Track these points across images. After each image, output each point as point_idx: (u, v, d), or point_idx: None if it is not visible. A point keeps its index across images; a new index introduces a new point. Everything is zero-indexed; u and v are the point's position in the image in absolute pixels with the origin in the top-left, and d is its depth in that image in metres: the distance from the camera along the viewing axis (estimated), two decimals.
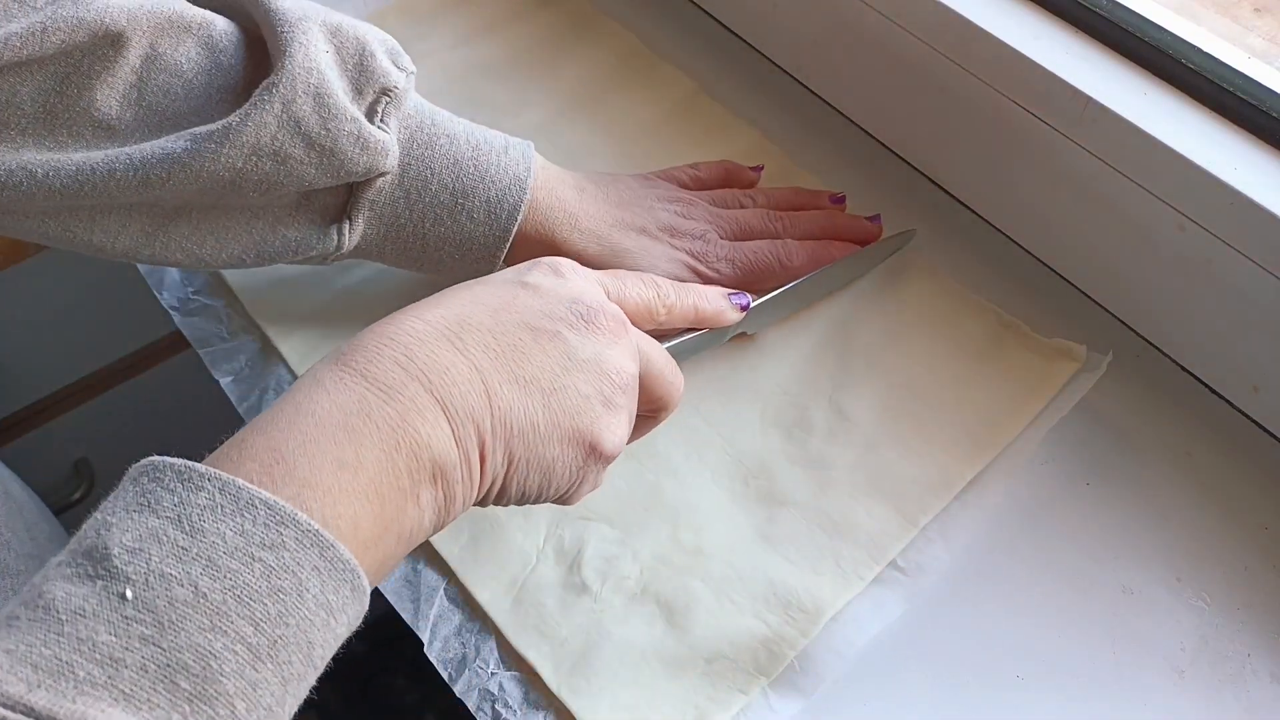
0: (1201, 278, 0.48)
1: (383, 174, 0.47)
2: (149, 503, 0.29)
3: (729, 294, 0.49)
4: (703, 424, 0.51)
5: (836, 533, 0.47)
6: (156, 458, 0.30)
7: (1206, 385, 0.52)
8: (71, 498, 0.85)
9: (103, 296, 0.81)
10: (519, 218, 0.49)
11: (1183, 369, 0.52)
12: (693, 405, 0.51)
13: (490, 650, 0.46)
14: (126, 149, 0.43)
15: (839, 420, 0.51)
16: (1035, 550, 0.47)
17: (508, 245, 0.50)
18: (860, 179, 0.61)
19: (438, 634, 0.47)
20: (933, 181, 0.60)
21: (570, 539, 0.48)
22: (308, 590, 0.29)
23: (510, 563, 0.48)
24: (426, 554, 0.49)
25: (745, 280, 0.52)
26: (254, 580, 0.28)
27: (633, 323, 0.41)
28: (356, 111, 0.45)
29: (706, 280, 0.52)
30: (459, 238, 0.49)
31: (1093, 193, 0.51)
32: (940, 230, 0.58)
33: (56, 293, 0.79)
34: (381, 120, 0.46)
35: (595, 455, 0.38)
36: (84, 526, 0.29)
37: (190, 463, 0.30)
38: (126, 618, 0.26)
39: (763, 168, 0.59)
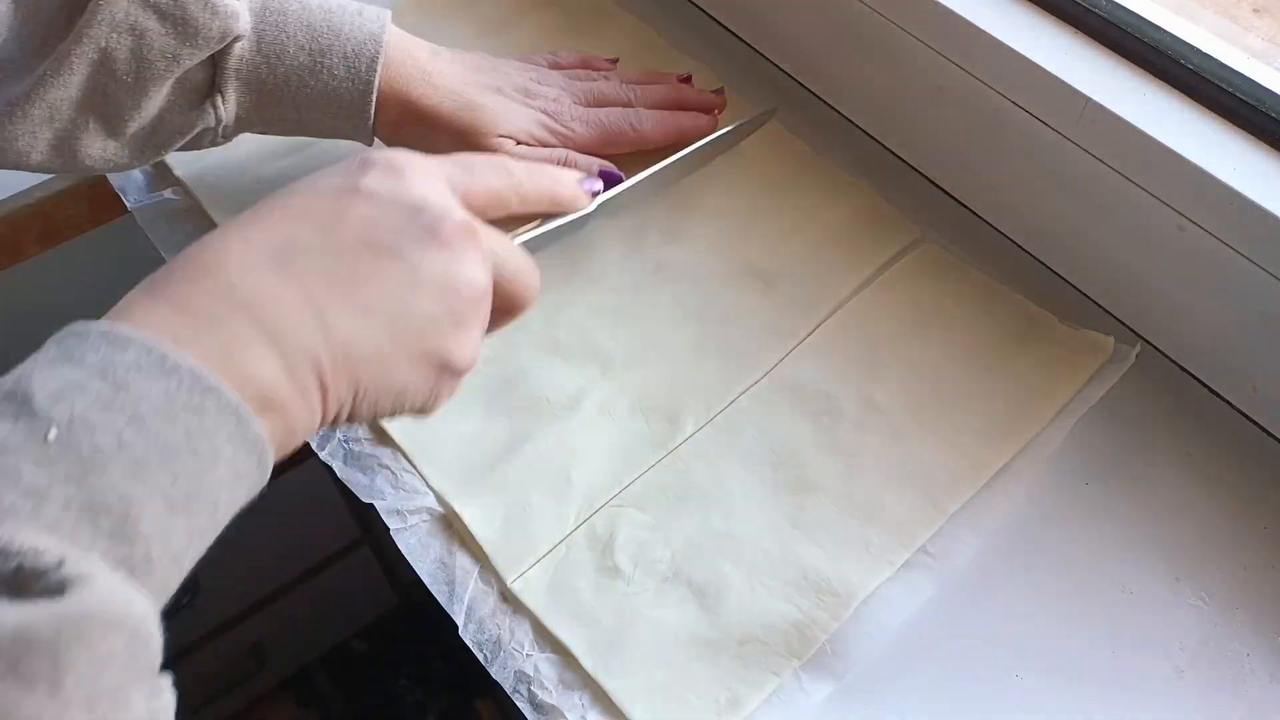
0: (1201, 278, 0.48)
1: (237, 38, 0.49)
2: (72, 357, 0.29)
3: (582, 179, 0.47)
4: (733, 412, 0.52)
5: (866, 518, 0.48)
6: (79, 322, 0.31)
7: (1206, 385, 0.52)
8: None
9: (103, 296, 0.81)
10: (378, 70, 0.51)
11: (1183, 369, 0.52)
12: (726, 392, 0.52)
13: (525, 633, 0.46)
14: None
15: (867, 409, 0.51)
16: (1035, 550, 0.47)
17: (373, 99, 0.52)
18: (859, 179, 0.61)
19: (473, 616, 0.47)
20: (931, 182, 0.60)
21: (601, 525, 0.48)
22: (222, 455, 0.30)
23: (542, 547, 0.48)
24: (460, 538, 0.49)
25: (600, 143, 0.56)
26: (176, 439, 0.29)
27: (484, 214, 0.39)
28: None
29: (564, 140, 0.56)
30: (325, 97, 0.52)
31: (1092, 193, 0.51)
32: (939, 230, 0.58)
33: (56, 293, 0.79)
34: None
35: (448, 372, 0.37)
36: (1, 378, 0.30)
37: (117, 324, 0.30)
38: (50, 457, 0.27)
39: (618, 60, 0.63)
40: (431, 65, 0.53)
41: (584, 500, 0.49)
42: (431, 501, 0.50)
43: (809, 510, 0.48)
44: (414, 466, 0.51)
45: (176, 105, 0.51)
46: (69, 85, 0.47)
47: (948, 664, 0.45)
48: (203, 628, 1.11)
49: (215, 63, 0.50)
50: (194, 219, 0.60)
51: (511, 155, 0.54)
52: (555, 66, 0.60)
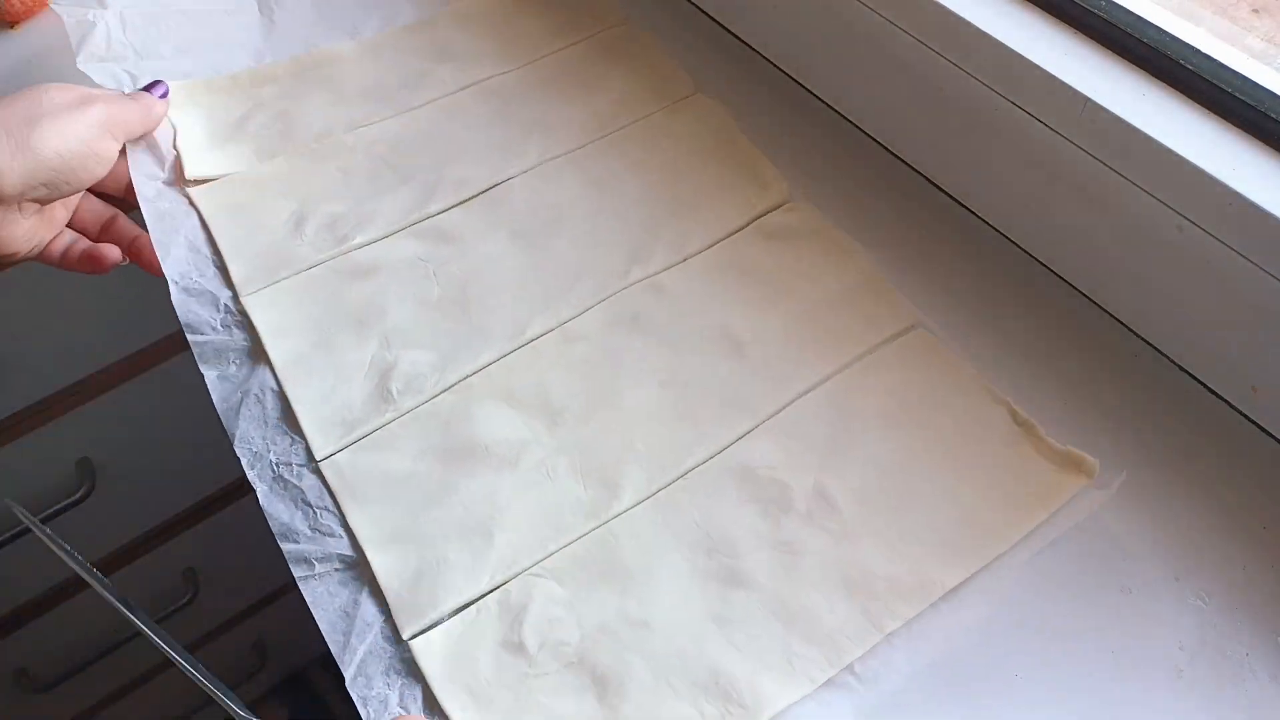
0: (1201, 278, 0.48)
1: None
2: None
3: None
4: (677, 489, 0.48)
5: (793, 625, 0.44)
6: None
7: (1206, 385, 0.52)
8: (72, 497, 0.85)
9: (104, 296, 0.81)
10: None
11: (1182, 369, 0.52)
12: (673, 466, 0.49)
13: (415, 698, 0.44)
14: None
15: (819, 504, 0.47)
16: (1035, 550, 0.47)
17: None
18: (859, 179, 0.61)
19: (363, 670, 0.44)
20: (931, 182, 0.60)
21: (517, 592, 0.45)
22: None
23: (449, 605, 0.45)
24: (370, 586, 0.47)
25: None
26: None
27: None
28: None
29: None
30: None
31: (1091, 193, 0.51)
32: (939, 230, 0.58)
33: (57, 292, 0.79)
34: None
35: None
36: None
37: None
38: None
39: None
40: None
41: (502, 563, 0.46)
42: (345, 546, 0.48)
43: (735, 607, 0.45)
44: (336, 504, 0.49)
45: None
46: None
47: (947, 663, 0.44)
48: (203, 627, 1.11)
49: None
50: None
51: None
52: None
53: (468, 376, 0.52)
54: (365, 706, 0.43)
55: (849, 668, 0.44)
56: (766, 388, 0.51)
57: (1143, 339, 0.53)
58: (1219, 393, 0.51)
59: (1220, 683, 0.44)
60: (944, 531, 0.47)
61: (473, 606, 0.45)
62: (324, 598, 0.47)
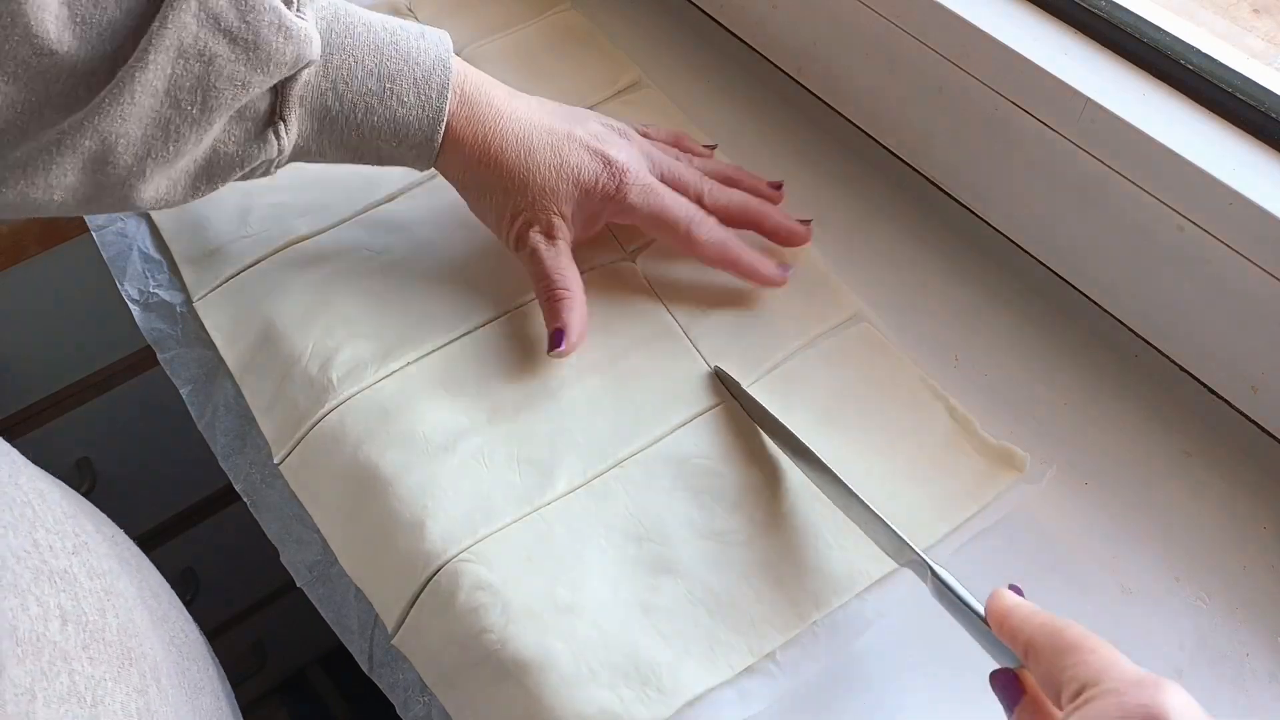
0: (1201, 278, 0.48)
1: (308, 64, 0.46)
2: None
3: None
4: (611, 477, 0.48)
5: (719, 612, 0.44)
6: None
7: (1206, 385, 0.52)
8: None
9: (104, 296, 0.81)
10: (449, 96, 0.49)
11: (1182, 369, 0.52)
12: (609, 454, 0.49)
13: (415, 680, 0.45)
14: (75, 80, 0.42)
15: (749, 494, 0.48)
16: (1035, 550, 0.47)
17: (443, 126, 0.49)
18: (858, 179, 0.61)
19: (377, 659, 0.47)
20: (931, 182, 0.60)
21: (446, 579, 0.45)
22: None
23: (406, 598, 0.46)
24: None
25: (646, 222, 0.52)
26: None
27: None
28: (274, 0, 0.44)
29: (608, 201, 0.51)
30: (392, 124, 0.49)
31: (1091, 193, 0.51)
32: (938, 230, 0.58)
33: (57, 292, 0.79)
34: (298, 10, 0.45)
35: None
36: None
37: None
38: None
39: (716, 146, 0.59)
40: (508, 106, 0.51)
41: (434, 551, 0.46)
42: (318, 551, 0.49)
43: (662, 594, 0.45)
44: (302, 506, 0.50)
45: (234, 136, 0.46)
46: (127, 118, 0.43)
47: (947, 663, 0.44)
48: (202, 628, 1.11)
49: (278, 89, 0.46)
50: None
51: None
52: (644, 135, 0.56)
53: (408, 365, 0.52)
54: (393, 692, 0.45)
55: (770, 655, 0.44)
56: (705, 379, 0.51)
57: (1143, 339, 0.53)
58: (1219, 393, 0.51)
59: (1220, 682, 0.44)
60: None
61: (424, 593, 0.45)
62: (325, 599, 0.48)
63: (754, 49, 0.68)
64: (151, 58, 0.42)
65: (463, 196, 0.53)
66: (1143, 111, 0.47)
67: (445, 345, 0.53)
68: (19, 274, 0.75)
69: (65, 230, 0.75)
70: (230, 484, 0.53)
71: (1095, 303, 0.55)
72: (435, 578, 0.45)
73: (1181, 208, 0.47)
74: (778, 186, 0.56)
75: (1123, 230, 0.51)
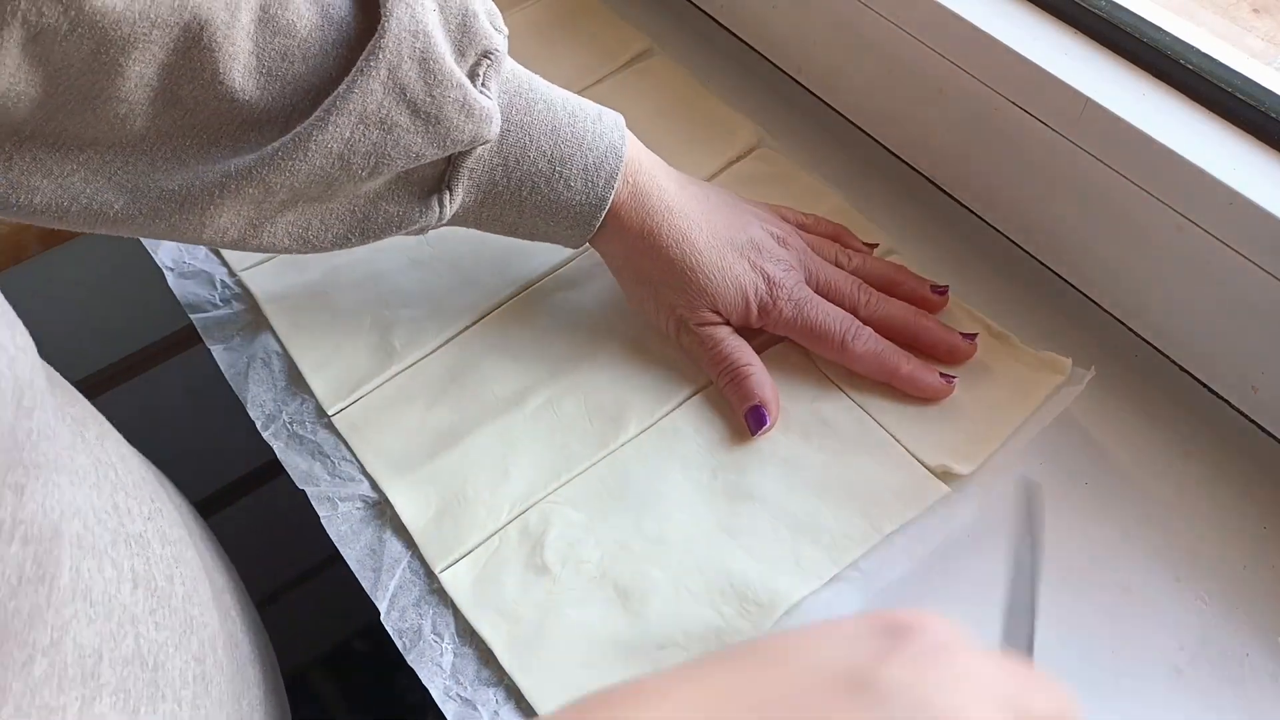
0: (1201, 278, 0.48)
1: (485, 142, 0.45)
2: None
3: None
4: (678, 416, 0.51)
5: (800, 531, 0.47)
6: None
7: (1206, 385, 0.52)
8: None
9: (107, 295, 0.81)
10: (615, 185, 0.48)
11: (1182, 369, 0.52)
12: (673, 395, 0.52)
13: (447, 625, 0.46)
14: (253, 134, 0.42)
15: (817, 423, 0.50)
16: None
17: (603, 214, 0.49)
18: (857, 179, 0.61)
19: (395, 604, 0.47)
20: (931, 181, 0.60)
21: (535, 520, 0.48)
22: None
23: (473, 539, 0.48)
24: (393, 525, 0.49)
25: (799, 336, 0.51)
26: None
27: None
28: (461, 77, 0.43)
29: (766, 317, 0.51)
30: (554, 205, 0.48)
31: (1091, 193, 0.51)
32: (938, 230, 0.58)
33: (60, 291, 0.79)
34: (483, 85, 0.44)
35: None
36: None
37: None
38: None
39: (877, 245, 0.57)
40: (677, 200, 0.50)
41: (519, 494, 0.49)
42: (366, 489, 0.50)
43: (743, 518, 0.48)
44: (353, 454, 0.51)
45: (396, 196, 0.46)
46: (296, 173, 0.42)
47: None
48: None
49: (451, 159, 0.46)
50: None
51: None
52: (802, 227, 0.55)
53: (467, 328, 0.55)
54: (400, 638, 0.46)
55: (855, 564, 0.47)
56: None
57: (1143, 339, 0.53)
58: (1219, 392, 0.51)
59: (1220, 683, 0.44)
60: (936, 440, 0.50)
61: (495, 536, 0.48)
62: (349, 536, 0.49)
63: (754, 49, 0.68)
64: (333, 119, 0.41)
65: (616, 277, 0.53)
66: (1142, 111, 0.47)
67: (499, 307, 0.56)
68: (21, 273, 0.75)
69: (66, 231, 0.75)
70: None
71: (1095, 302, 0.55)
72: (524, 515, 0.48)
73: (1181, 207, 0.47)
74: (942, 291, 0.53)
75: (1122, 230, 0.51)
